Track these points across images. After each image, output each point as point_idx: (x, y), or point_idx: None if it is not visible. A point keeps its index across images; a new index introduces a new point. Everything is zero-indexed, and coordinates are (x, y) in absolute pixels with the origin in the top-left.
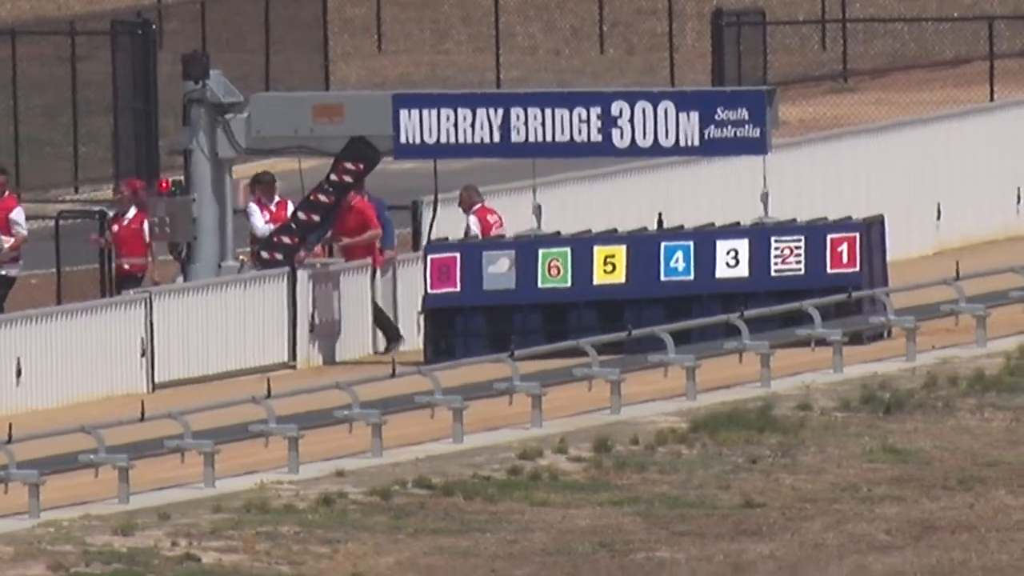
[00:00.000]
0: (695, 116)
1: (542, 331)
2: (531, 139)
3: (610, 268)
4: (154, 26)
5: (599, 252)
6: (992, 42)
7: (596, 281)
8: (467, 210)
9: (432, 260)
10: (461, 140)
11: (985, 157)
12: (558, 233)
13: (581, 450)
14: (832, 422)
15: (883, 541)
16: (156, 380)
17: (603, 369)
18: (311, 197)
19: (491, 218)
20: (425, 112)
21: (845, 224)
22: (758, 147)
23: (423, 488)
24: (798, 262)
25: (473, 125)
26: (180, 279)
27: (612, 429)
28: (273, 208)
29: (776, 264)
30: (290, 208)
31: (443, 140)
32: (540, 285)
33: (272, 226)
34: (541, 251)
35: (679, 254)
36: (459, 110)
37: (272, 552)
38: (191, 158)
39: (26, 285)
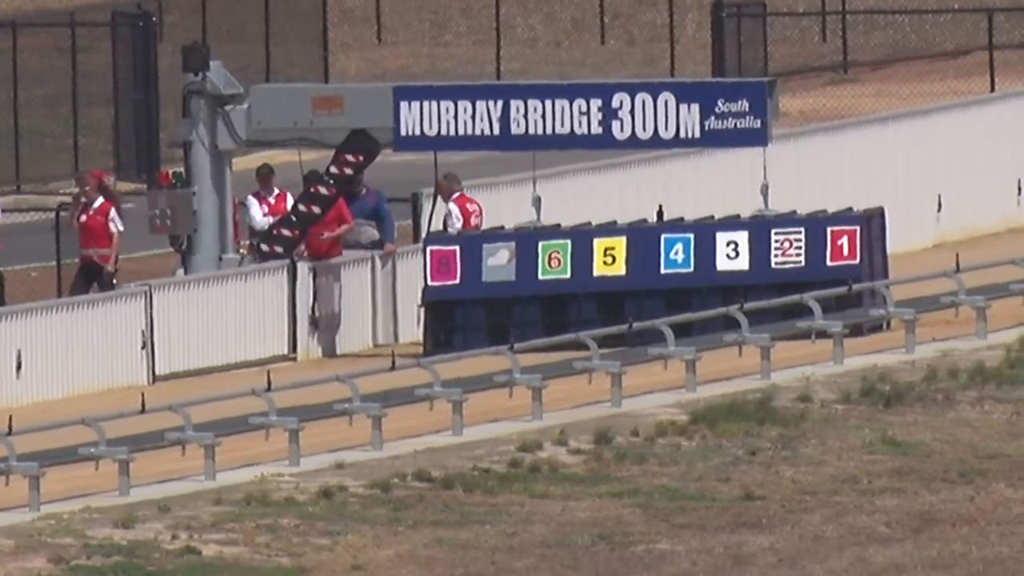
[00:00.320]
0: (695, 108)
1: (542, 323)
2: (531, 131)
3: (610, 260)
4: (154, 18)
5: (599, 244)
6: (992, 33)
7: (596, 273)
8: (446, 199)
9: (432, 252)
10: (461, 132)
11: (986, 149)
12: (558, 225)
13: (581, 442)
14: (832, 414)
15: (883, 533)
16: (156, 372)
17: (603, 362)
18: (311, 189)
19: (471, 207)
20: (425, 104)
21: (845, 216)
22: (759, 139)
23: (423, 481)
24: (798, 254)
25: (473, 117)
26: (180, 271)
27: (612, 421)
28: (272, 200)
29: (776, 256)
30: (289, 200)
31: (443, 132)
32: (540, 277)
33: (271, 219)
34: (541, 243)
35: (679, 246)
36: (459, 102)
37: (272, 544)
38: (191, 150)
39: (26, 278)
